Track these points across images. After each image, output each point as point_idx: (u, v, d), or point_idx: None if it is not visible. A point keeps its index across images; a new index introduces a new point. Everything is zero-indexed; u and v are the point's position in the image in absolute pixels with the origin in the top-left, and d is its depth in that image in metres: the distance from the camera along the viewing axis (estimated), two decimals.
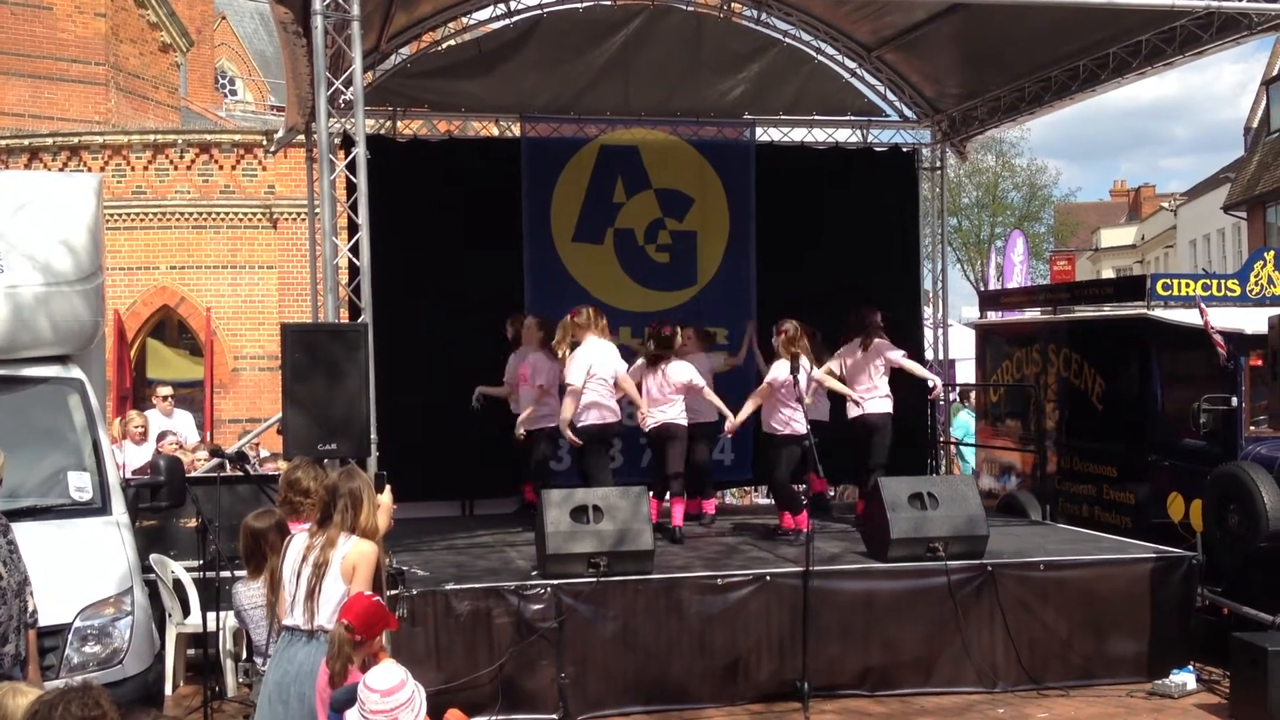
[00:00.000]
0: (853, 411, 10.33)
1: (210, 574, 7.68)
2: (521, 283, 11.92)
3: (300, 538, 5.61)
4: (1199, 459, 9.43)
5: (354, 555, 5.40)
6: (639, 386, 9.79)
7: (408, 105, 12.21)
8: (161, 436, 11.49)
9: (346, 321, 8.00)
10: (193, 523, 8.48)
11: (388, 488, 6.71)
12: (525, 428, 10.05)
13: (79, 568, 6.50)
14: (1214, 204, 36.40)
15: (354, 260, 7.82)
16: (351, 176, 7.85)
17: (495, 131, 12.92)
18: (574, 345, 9.63)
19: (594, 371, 9.43)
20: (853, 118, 13.23)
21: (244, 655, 8.44)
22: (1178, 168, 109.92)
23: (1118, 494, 10.62)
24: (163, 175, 20.78)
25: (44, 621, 5.64)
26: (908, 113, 13.31)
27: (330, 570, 5.37)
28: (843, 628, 8.27)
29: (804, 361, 9.46)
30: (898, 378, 10.74)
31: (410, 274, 11.10)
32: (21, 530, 5.61)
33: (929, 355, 13.25)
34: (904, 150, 13.31)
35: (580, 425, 9.49)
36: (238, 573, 7.89)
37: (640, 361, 10.04)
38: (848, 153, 13.16)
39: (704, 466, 10.71)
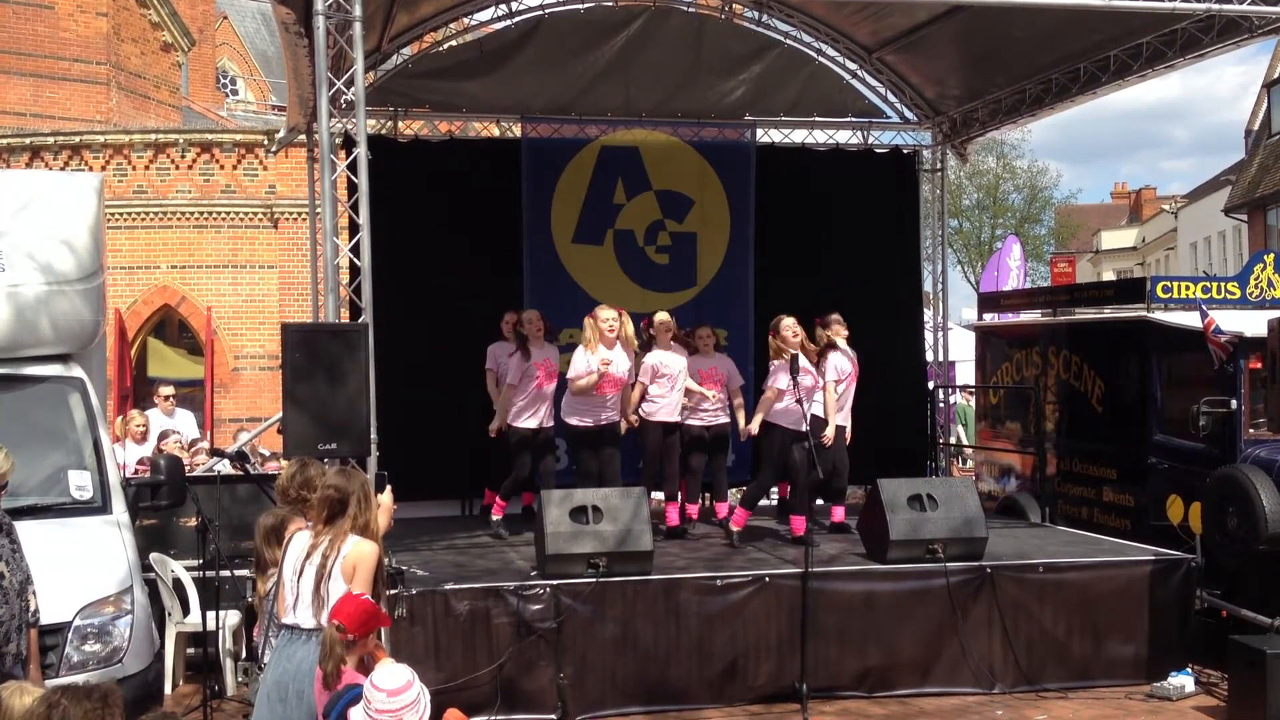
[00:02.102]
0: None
1: (210, 573, 7.71)
2: (521, 283, 11.93)
3: (302, 536, 5.62)
4: (1198, 461, 9.44)
5: (354, 555, 5.42)
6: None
7: (409, 105, 12.21)
8: (163, 436, 11.50)
9: (347, 321, 8.01)
10: (193, 522, 8.49)
11: (388, 488, 6.74)
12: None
13: (79, 566, 6.50)
14: (1214, 206, 36.41)
15: (355, 260, 7.83)
16: (352, 176, 7.86)
17: (496, 132, 12.93)
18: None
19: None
20: (853, 119, 13.23)
21: (243, 654, 8.48)
22: (1178, 170, 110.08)
23: (1117, 496, 10.63)
24: (164, 175, 20.77)
25: (44, 620, 5.65)
26: (908, 114, 13.31)
27: (334, 569, 5.40)
28: (841, 629, 8.28)
29: (802, 360, 9.40)
30: (892, 378, 10.69)
31: (411, 274, 11.10)
32: (22, 529, 5.62)
33: (929, 357, 13.27)
34: (905, 152, 13.32)
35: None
36: (238, 572, 7.93)
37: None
38: (848, 154, 13.17)
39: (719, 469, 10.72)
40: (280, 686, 5.36)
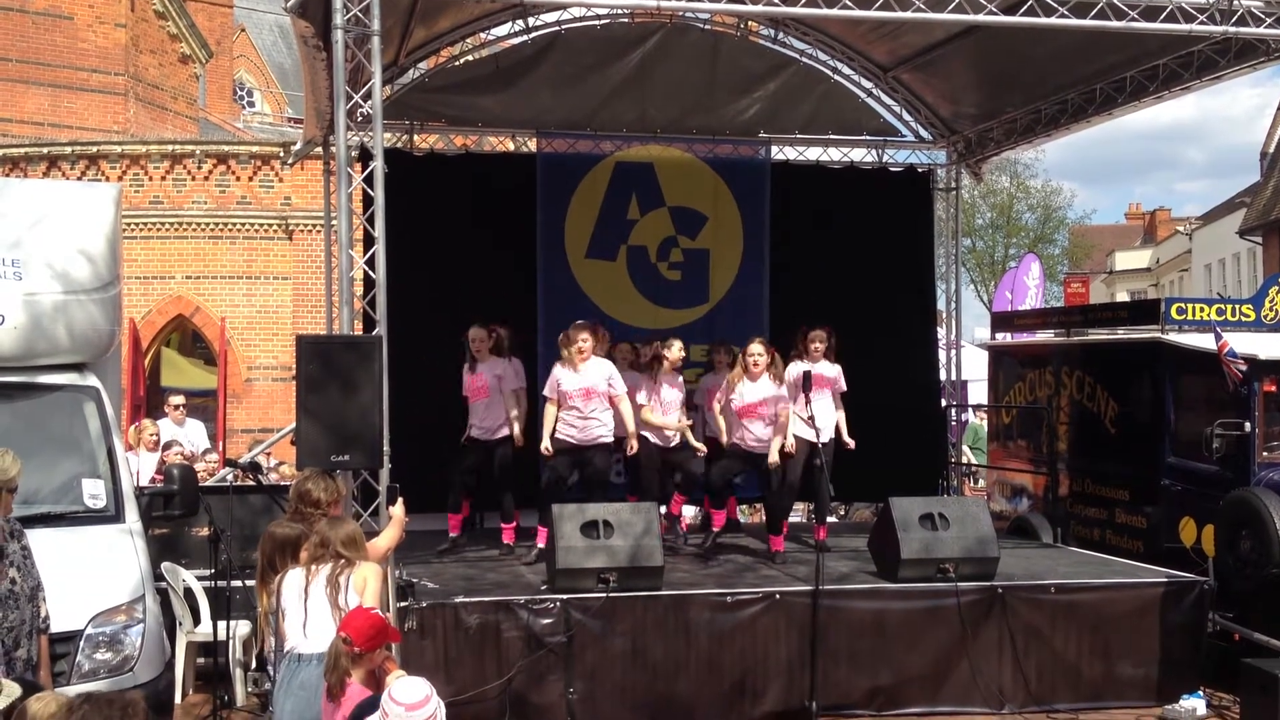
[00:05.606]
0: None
1: (221, 583, 7.72)
2: (535, 297, 11.95)
3: (297, 570, 5.64)
4: (1211, 484, 9.41)
5: (364, 570, 5.51)
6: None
7: (425, 119, 12.27)
8: (166, 446, 11.47)
9: (361, 333, 8.03)
10: (205, 531, 8.51)
11: (400, 500, 6.75)
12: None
13: (92, 575, 6.53)
14: (1229, 228, 36.32)
15: (369, 272, 7.85)
16: (368, 189, 7.88)
17: (511, 147, 12.97)
18: None
19: None
20: (868, 137, 13.25)
21: (253, 665, 8.49)
22: (1193, 191, 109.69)
23: (1129, 518, 10.60)
24: (180, 185, 20.90)
25: (56, 628, 5.67)
26: (923, 133, 13.33)
27: (347, 582, 5.43)
28: (852, 647, 8.26)
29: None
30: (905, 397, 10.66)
31: (425, 287, 11.10)
32: (35, 537, 5.65)
33: (942, 376, 13.25)
34: (919, 171, 13.33)
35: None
36: (249, 582, 7.94)
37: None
38: (863, 172, 13.19)
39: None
40: (296, 716, 5.35)
